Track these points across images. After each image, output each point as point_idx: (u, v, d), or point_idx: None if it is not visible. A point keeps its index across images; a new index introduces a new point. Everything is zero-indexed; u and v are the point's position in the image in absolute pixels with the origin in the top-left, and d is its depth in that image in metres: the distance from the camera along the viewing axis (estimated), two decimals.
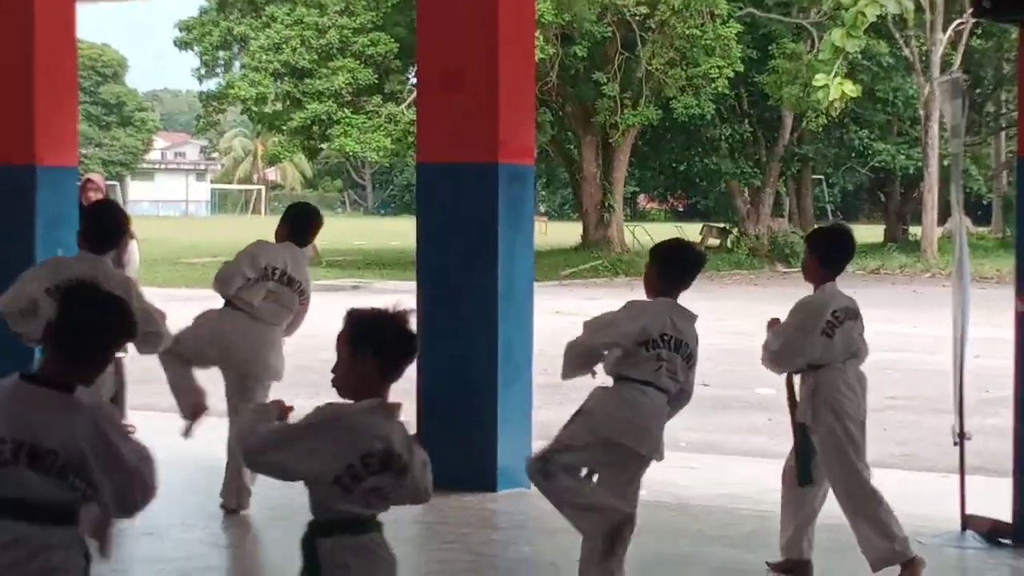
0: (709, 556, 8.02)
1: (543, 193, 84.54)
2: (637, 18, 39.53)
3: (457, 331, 9.09)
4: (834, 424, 7.22)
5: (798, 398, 7.44)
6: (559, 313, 22.97)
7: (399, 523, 7.03)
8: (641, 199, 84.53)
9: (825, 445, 7.24)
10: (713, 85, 40.34)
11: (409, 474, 4.55)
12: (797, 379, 7.49)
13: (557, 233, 49.72)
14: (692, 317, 6.83)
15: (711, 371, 17.60)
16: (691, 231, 49.71)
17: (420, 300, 9.90)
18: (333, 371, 4.60)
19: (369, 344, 4.54)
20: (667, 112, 41.49)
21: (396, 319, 4.60)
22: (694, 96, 40.75)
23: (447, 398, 9.67)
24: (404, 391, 11.66)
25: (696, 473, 10.77)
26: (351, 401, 4.54)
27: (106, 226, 8.03)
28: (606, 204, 43.19)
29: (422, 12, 10.03)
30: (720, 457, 11.83)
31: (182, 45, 44.43)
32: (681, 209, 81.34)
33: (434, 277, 9.78)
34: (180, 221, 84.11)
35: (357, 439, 4.46)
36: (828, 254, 7.48)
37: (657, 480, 10.24)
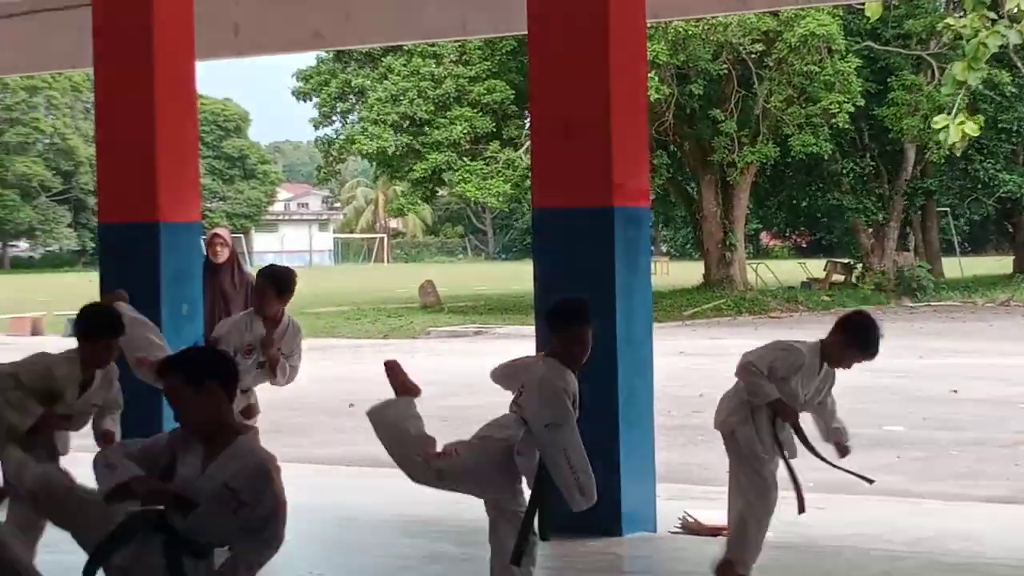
0: None
1: (664, 233, 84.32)
2: (753, 56, 39.37)
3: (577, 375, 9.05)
4: None
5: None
6: (683, 353, 22.89)
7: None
8: (764, 236, 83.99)
9: None
10: (833, 120, 40.02)
11: None
12: None
13: (679, 273, 49.53)
14: None
15: (840, 408, 17.41)
16: (815, 267, 49.27)
17: (539, 343, 9.90)
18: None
19: (205, 373, 4.99)
20: (785, 149, 41.23)
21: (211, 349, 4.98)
22: (812, 134, 40.45)
23: None
24: None
25: (825, 513, 10.62)
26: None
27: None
28: (727, 243, 42.94)
29: (534, 60, 10.07)
30: (849, 497, 11.64)
31: (300, 96, 44.94)
32: (805, 245, 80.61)
33: None
34: (304, 271, 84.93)
35: None
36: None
37: (785, 520, 10.14)
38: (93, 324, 7.51)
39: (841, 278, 46.77)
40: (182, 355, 5.12)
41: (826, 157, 42.76)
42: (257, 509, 4.71)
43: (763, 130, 40.62)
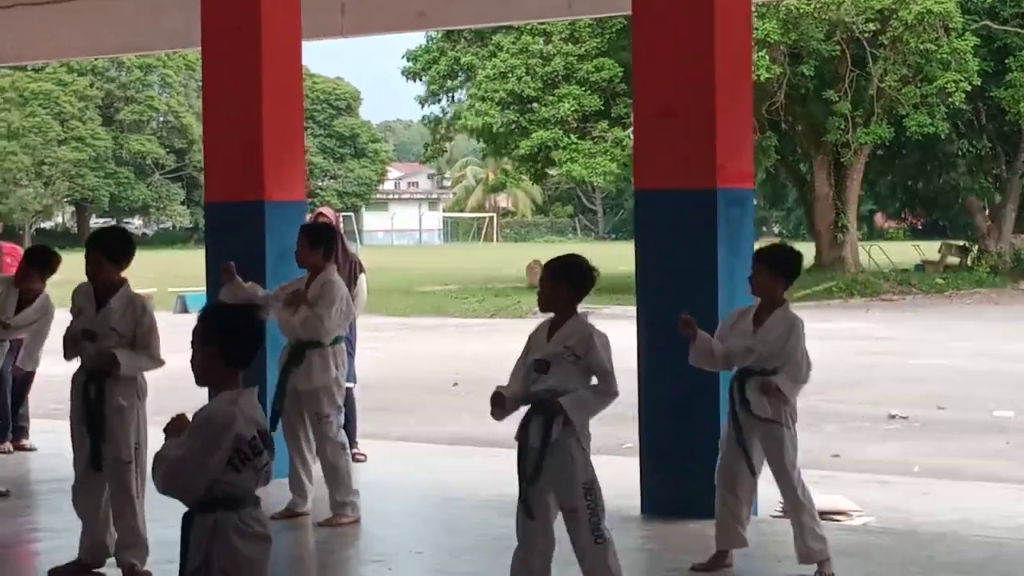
0: None
1: (777, 214, 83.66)
2: (867, 35, 38.90)
3: (678, 357, 9.02)
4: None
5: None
6: None
7: (622, 552, 7.05)
8: (878, 218, 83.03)
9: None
10: (949, 100, 39.44)
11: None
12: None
13: None
14: None
15: (948, 394, 17.22)
16: (930, 249, 48.66)
17: (641, 326, 9.89)
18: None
19: (219, 336, 4.94)
20: (900, 129, 40.71)
21: (244, 312, 5.08)
22: (928, 114, 39.90)
23: (668, 423, 9.65)
24: (625, 416, 11.63)
25: (929, 499, 10.53)
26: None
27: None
28: (839, 224, 42.52)
29: (638, 41, 10.03)
30: (956, 483, 11.51)
31: (409, 75, 45.15)
32: (920, 227, 79.56)
33: (654, 303, 9.76)
34: (414, 250, 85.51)
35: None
36: (792, 272, 8.04)
37: (888, 506, 10.07)
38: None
39: (956, 260, 46.13)
40: None
41: (942, 137, 42.14)
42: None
43: (877, 110, 40.12)
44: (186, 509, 4.91)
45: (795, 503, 7.91)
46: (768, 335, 7.85)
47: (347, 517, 9.48)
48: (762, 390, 7.79)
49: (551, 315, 6.96)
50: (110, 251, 8.16)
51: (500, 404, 6.79)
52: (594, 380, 6.81)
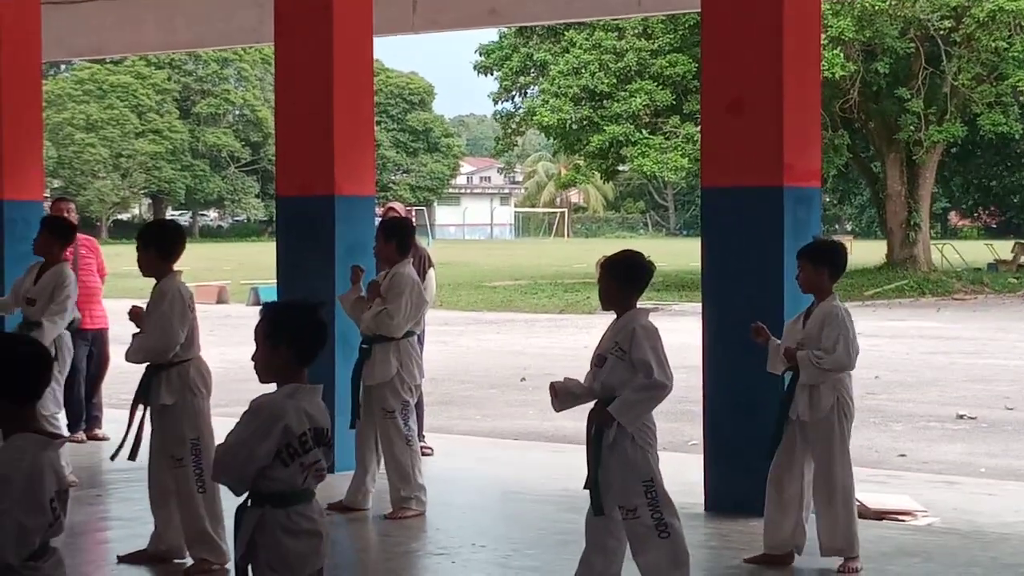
0: None
1: (850, 211, 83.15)
2: (941, 32, 38.59)
3: (743, 354, 9.04)
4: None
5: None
6: (860, 335, 22.58)
7: (689, 547, 7.10)
8: (953, 216, 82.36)
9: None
10: (1023, 98, 39.07)
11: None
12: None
13: (862, 252, 48.79)
14: None
15: (1018, 394, 17.10)
16: (1003, 248, 48.20)
17: (706, 323, 9.92)
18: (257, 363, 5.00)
19: (283, 333, 4.94)
20: (973, 128, 40.35)
21: (309, 310, 5.03)
22: (1002, 113, 39.53)
23: (732, 420, 9.67)
24: (692, 413, 11.69)
25: (995, 500, 10.49)
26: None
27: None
28: (911, 222, 42.19)
29: (706, 38, 10.06)
30: (1021, 483, 11.46)
31: (482, 70, 45.28)
32: (995, 225, 78.86)
33: (720, 301, 9.79)
34: (485, 245, 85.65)
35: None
36: (835, 263, 8.07)
37: (953, 507, 10.04)
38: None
39: None
40: None
41: (1016, 136, 41.72)
42: None
43: (951, 108, 39.79)
44: (239, 501, 4.98)
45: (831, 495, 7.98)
46: (811, 329, 7.91)
47: (411, 511, 9.57)
48: (786, 355, 7.88)
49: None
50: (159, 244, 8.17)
51: (554, 394, 6.89)
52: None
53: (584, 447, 6.95)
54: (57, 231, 10.47)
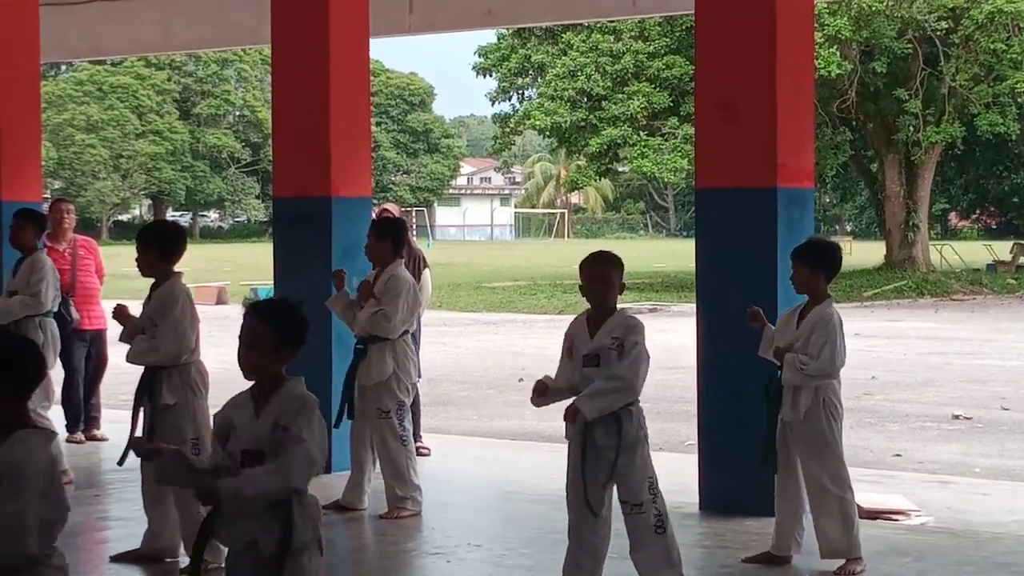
0: None
1: (849, 211, 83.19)
2: (939, 33, 38.63)
3: (737, 354, 9.09)
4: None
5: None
6: (858, 335, 22.64)
7: (682, 546, 7.15)
8: (952, 217, 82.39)
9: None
10: (1021, 100, 39.11)
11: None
12: None
13: (862, 252, 48.86)
14: None
15: (1012, 395, 17.15)
16: (1002, 249, 48.24)
17: (700, 323, 9.96)
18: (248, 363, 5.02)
19: (290, 336, 5.04)
20: (971, 129, 40.38)
21: (296, 307, 5.12)
22: (999, 114, 39.58)
23: (726, 420, 9.71)
24: (686, 413, 11.71)
25: (988, 499, 10.53)
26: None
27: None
28: (910, 223, 42.22)
29: (700, 40, 10.09)
30: (1016, 483, 11.50)
31: (480, 71, 45.35)
32: (994, 226, 78.88)
33: (714, 301, 9.84)
34: (485, 245, 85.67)
35: None
36: (830, 263, 8.10)
37: (947, 506, 10.08)
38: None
39: None
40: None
41: (1014, 137, 41.76)
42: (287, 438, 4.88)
43: (949, 109, 39.83)
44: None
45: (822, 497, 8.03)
46: (804, 331, 7.95)
47: (406, 511, 9.61)
48: (775, 355, 7.93)
49: (586, 311, 7.11)
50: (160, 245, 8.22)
51: (542, 391, 6.95)
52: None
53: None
54: (24, 215, 10.69)
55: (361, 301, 9.70)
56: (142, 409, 8.13)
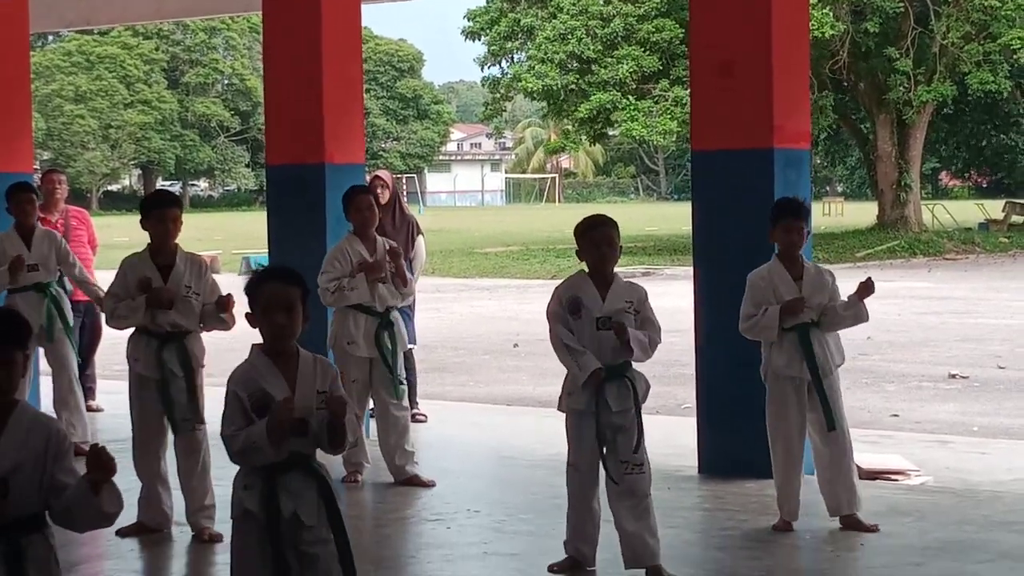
0: (993, 542, 7.81)
1: (841, 172, 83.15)
2: None
3: (735, 316, 9.05)
4: None
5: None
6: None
7: (679, 511, 7.15)
8: (944, 176, 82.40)
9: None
10: (1014, 58, 39.00)
11: None
12: None
13: (854, 213, 48.88)
14: None
15: (1009, 353, 17.15)
16: (994, 208, 48.25)
17: (697, 286, 9.94)
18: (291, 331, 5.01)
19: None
20: (963, 88, 40.27)
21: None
22: (991, 72, 39.49)
23: (724, 383, 9.70)
24: (684, 376, 11.68)
25: (986, 459, 10.54)
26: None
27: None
28: (902, 183, 42.14)
29: (695, 1, 10.04)
30: (1014, 442, 11.51)
31: (469, 35, 45.18)
32: (986, 186, 78.91)
33: (711, 264, 9.81)
34: (476, 211, 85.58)
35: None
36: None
37: (945, 466, 10.09)
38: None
39: (1021, 219, 45.73)
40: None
41: (1005, 95, 41.66)
42: None
43: (940, 68, 39.73)
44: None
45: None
46: (814, 287, 8.05)
47: (403, 475, 9.63)
48: (859, 293, 7.96)
49: (581, 272, 7.13)
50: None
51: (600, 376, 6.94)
52: None
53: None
54: (26, 188, 10.93)
55: (376, 273, 9.64)
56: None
